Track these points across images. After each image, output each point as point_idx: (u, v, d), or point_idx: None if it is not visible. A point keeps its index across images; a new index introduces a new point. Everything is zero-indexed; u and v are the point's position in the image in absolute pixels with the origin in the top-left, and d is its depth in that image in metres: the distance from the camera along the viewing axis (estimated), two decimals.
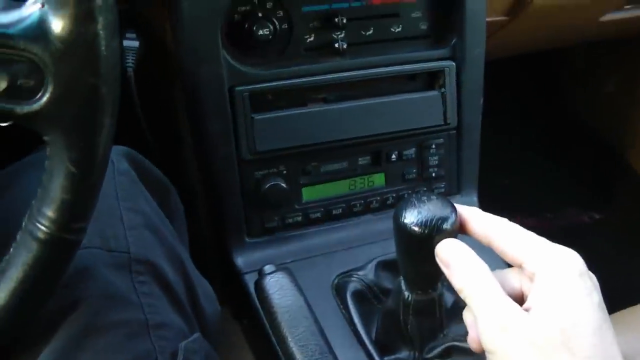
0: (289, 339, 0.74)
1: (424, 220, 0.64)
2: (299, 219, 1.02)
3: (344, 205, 1.04)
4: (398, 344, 0.81)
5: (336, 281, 0.92)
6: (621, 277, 1.74)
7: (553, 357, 0.51)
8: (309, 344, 0.73)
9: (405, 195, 0.68)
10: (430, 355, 0.80)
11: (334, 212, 1.04)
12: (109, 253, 0.72)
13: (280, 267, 0.81)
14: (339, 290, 0.91)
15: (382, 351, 0.83)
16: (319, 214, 1.03)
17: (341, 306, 0.89)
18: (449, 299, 0.81)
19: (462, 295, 0.58)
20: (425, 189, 1.08)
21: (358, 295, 0.89)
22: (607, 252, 1.86)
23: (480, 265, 0.58)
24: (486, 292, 0.56)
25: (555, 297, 0.54)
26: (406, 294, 0.74)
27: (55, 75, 0.52)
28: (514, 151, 2.07)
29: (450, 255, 0.61)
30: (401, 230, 0.65)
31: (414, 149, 1.07)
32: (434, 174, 1.09)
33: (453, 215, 0.64)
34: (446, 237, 0.63)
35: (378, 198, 1.06)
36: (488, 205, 1.15)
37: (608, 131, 2.00)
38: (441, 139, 1.08)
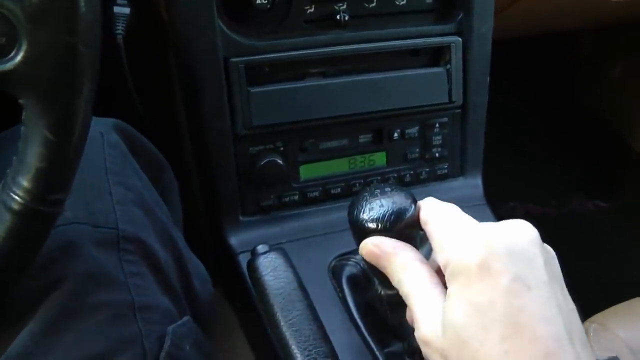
0: (282, 323, 0.70)
1: (378, 216, 0.62)
2: (296, 197, 0.98)
3: (343, 184, 1.00)
4: (389, 337, 0.79)
5: (333, 263, 0.88)
6: (626, 266, 1.71)
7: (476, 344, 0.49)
8: (303, 329, 0.69)
9: (366, 189, 0.64)
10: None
11: (333, 191, 1.00)
12: (96, 229, 0.68)
13: (274, 247, 0.77)
14: (335, 273, 0.87)
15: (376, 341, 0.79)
16: (316, 193, 0.99)
17: (337, 289, 0.85)
18: None
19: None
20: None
21: (353, 280, 0.86)
22: (612, 240, 1.84)
23: (409, 261, 0.58)
24: (414, 301, 0.56)
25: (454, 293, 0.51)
26: (378, 289, 0.72)
27: (30, 32, 0.49)
28: (519, 135, 2.04)
29: (371, 255, 0.61)
30: (356, 227, 0.63)
31: (417, 127, 1.03)
32: (437, 154, 1.05)
33: (411, 208, 0.62)
34: (405, 230, 0.62)
35: (379, 178, 1.02)
36: (492, 190, 1.12)
37: (615, 118, 1.98)
38: (445, 118, 1.05)
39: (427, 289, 0.55)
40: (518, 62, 1.99)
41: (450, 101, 1.02)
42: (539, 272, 0.50)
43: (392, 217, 0.61)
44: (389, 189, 0.64)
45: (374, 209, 0.62)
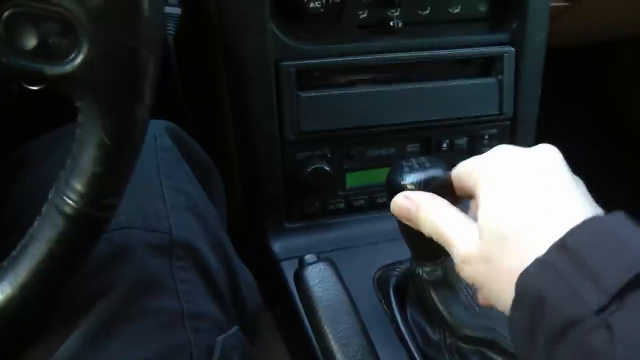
0: (330, 336, 0.68)
1: (415, 179, 0.67)
2: (341, 205, 0.97)
3: None
4: (427, 330, 0.79)
5: (378, 274, 0.87)
6: None
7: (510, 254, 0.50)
8: (351, 343, 0.68)
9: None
10: (468, 334, 0.77)
11: (379, 200, 0.98)
12: (150, 233, 0.67)
13: (322, 258, 0.76)
14: (381, 285, 0.85)
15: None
16: (362, 202, 0.98)
17: (383, 302, 0.84)
18: None
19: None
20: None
21: (401, 290, 0.84)
22: None
23: (438, 203, 0.61)
24: (447, 230, 0.58)
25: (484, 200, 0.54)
26: (417, 269, 0.75)
27: (91, 35, 0.47)
28: (559, 145, 2.00)
29: (402, 207, 0.63)
30: (395, 191, 0.67)
31: (465, 138, 1.01)
32: None
33: (444, 173, 0.67)
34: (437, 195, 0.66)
35: None
36: None
37: None
38: (495, 130, 1.02)
39: (459, 218, 0.58)
40: (560, 70, 1.95)
41: (501, 113, 1.00)
42: (563, 171, 0.54)
43: (428, 179, 0.67)
44: (424, 159, 0.70)
45: (411, 173, 0.68)
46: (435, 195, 0.63)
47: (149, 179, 0.71)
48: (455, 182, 0.63)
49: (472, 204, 0.62)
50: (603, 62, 2.03)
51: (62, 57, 0.48)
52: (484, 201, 0.54)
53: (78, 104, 0.50)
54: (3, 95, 0.87)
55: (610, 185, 1.95)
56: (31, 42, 0.48)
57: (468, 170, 0.59)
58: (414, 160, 0.71)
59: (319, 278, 0.73)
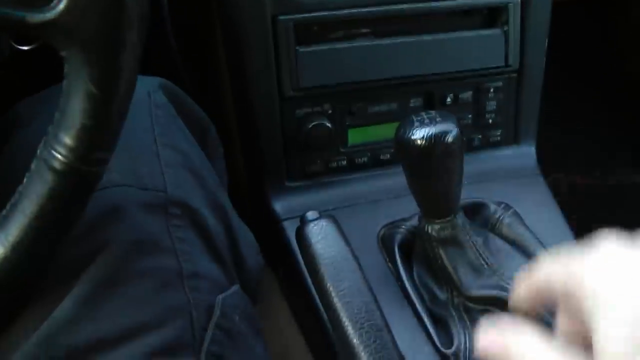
0: (333, 294, 0.67)
1: (426, 134, 0.68)
2: (344, 163, 0.95)
3: (393, 150, 0.96)
4: (434, 289, 0.79)
5: (382, 232, 0.85)
6: None
7: None
8: (355, 300, 0.66)
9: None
10: (476, 294, 0.77)
11: (382, 157, 0.96)
12: (143, 191, 0.65)
13: (325, 215, 0.74)
14: (386, 242, 0.84)
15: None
16: (365, 159, 0.96)
17: (387, 259, 0.83)
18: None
19: None
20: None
21: (406, 248, 0.83)
22: None
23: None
24: None
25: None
26: (426, 226, 0.77)
27: None
28: (563, 103, 1.98)
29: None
30: (404, 147, 0.70)
31: (470, 92, 0.99)
32: (490, 121, 1.01)
33: (454, 129, 0.69)
34: (448, 150, 0.68)
35: None
36: (540, 158, 1.08)
37: None
38: (500, 83, 1.00)
39: None
40: (564, 27, 1.93)
41: (507, 65, 0.98)
42: None
43: (439, 134, 0.69)
44: (435, 113, 0.71)
45: (422, 128, 0.69)
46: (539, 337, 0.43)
47: (142, 137, 0.69)
48: (539, 284, 0.46)
49: (558, 318, 0.46)
50: (611, 20, 2.01)
51: (44, 3, 0.46)
52: (614, 337, 0.38)
53: (63, 53, 0.48)
54: None
55: (620, 143, 1.94)
56: None
57: (575, 280, 0.42)
58: (424, 115, 0.70)
59: (321, 235, 0.71)
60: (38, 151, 0.51)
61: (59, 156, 0.49)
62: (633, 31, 1.96)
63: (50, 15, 0.46)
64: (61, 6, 0.46)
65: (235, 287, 0.70)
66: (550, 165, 1.83)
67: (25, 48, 0.76)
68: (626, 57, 2.00)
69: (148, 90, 0.73)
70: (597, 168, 1.91)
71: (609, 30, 2.02)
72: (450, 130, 0.69)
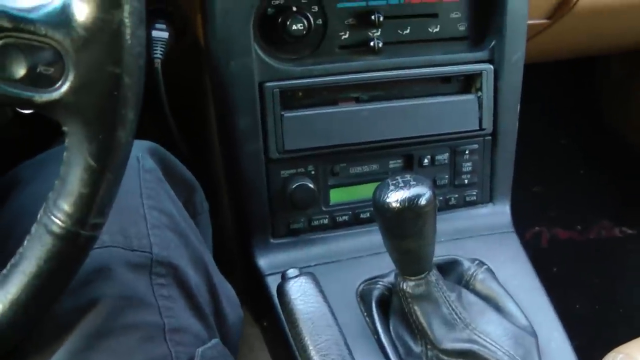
0: (310, 348, 0.71)
1: (400, 198, 0.73)
2: (326, 221, 0.99)
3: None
4: (409, 342, 0.82)
5: (361, 288, 0.89)
6: None
7: None
8: (331, 354, 0.70)
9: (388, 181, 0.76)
10: (450, 347, 0.80)
11: (362, 215, 1.01)
12: (131, 252, 0.69)
13: (304, 272, 0.78)
14: (364, 298, 0.88)
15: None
16: (346, 217, 1.00)
17: (365, 314, 0.86)
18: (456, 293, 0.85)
19: None
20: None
21: (383, 303, 0.86)
22: (638, 268, 1.81)
23: None
24: None
25: None
26: (402, 283, 0.80)
27: (77, 63, 0.50)
28: (547, 158, 2.02)
29: None
30: (380, 209, 0.74)
31: (447, 154, 1.03)
32: (466, 181, 1.05)
33: (428, 192, 0.73)
34: (420, 212, 0.72)
35: None
36: (518, 213, 1.12)
37: None
38: (475, 145, 1.05)
39: None
40: (546, 83, 1.98)
41: (481, 128, 1.03)
42: None
43: (413, 197, 0.73)
44: (410, 177, 0.75)
45: (396, 191, 0.73)
46: None
47: (131, 200, 0.72)
48: None
49: None
50: (591, 76, 2.05)
51: (50, 84, 0.51)
52: None
53: (65, 128, 0.52)
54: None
55: (597, 202, 1.97)
56: (21, 71, 0.50)
57: None
58: (399, 179, 0.74)
59: (301, 291, 0.75)
60: (38, 216, 0.55)
61: (58, 221, 0.53)
62: (614, 87, 2.01)
63: (55, 95, 0.51)
64: (65, 87, 0.50)
65: (215, 341, 0.73)
66: (532, 219, 1.88)
67: (26, 112, 0.81)
68: (607, 113, 2.05)
69: (137, 155, 0.77)
70: (579, 222, 1.94)
71: (592, 86, 2.07)
72: (424, 193, 0.73)
